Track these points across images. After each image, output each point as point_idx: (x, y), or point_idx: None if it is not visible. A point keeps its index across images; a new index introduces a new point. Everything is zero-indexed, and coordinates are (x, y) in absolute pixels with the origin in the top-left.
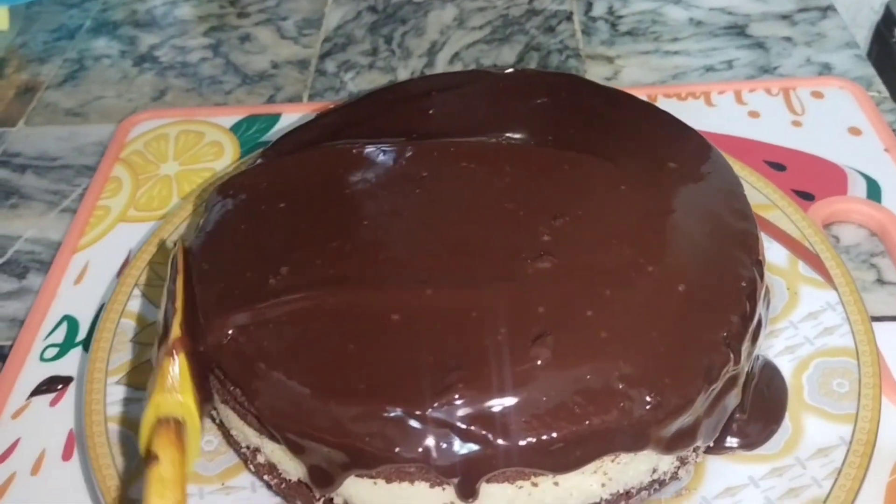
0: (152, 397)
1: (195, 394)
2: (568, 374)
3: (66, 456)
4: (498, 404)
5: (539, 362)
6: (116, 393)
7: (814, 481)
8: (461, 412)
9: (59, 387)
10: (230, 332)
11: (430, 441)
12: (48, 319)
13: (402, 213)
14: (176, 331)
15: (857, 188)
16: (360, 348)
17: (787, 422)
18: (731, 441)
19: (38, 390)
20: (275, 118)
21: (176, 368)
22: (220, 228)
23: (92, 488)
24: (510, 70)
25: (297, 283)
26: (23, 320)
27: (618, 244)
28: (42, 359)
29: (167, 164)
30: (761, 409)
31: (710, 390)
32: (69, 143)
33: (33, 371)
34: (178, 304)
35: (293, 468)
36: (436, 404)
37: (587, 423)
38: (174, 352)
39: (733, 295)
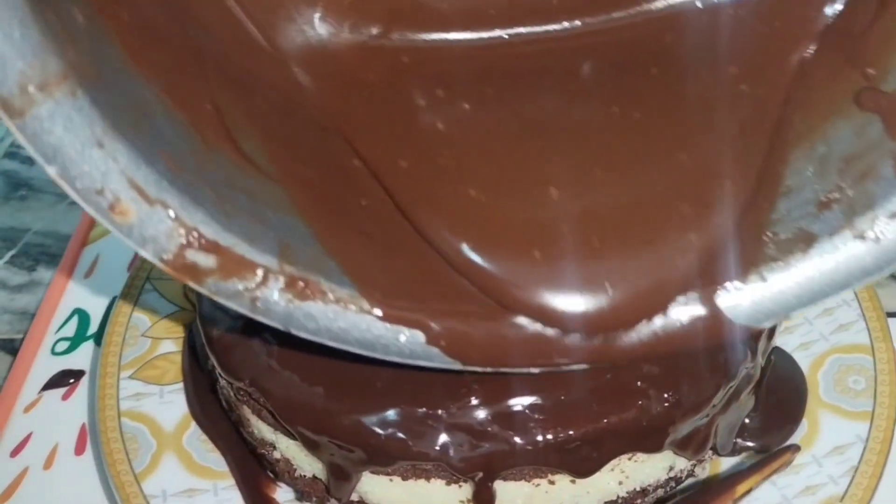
0: None
1: None
2: (587, 373)
3: (79, 450)
4: (514, 404)
5: None
6: (130, 387)
7: (830, 479)
8: (476, 412)
9: (71, 381)
10: (243, 332)
11: (445, 439)
12: (59, 313)
13: None
14: None
15: None
16: None
17: (802, 419)
18: (747, 443)
19: (50, 384)
20: None
21: None
22: None
23: (105, 483)
24: None
25: None
26: (33, 313)
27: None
28: (53, 352)
29: None
30: (778, 408)
31: (727, 387)
32: None
33: (45, 365)
34: None
35: (308, 464)
36: (451, 404)
37: (605, 421)
38: None
39: None
